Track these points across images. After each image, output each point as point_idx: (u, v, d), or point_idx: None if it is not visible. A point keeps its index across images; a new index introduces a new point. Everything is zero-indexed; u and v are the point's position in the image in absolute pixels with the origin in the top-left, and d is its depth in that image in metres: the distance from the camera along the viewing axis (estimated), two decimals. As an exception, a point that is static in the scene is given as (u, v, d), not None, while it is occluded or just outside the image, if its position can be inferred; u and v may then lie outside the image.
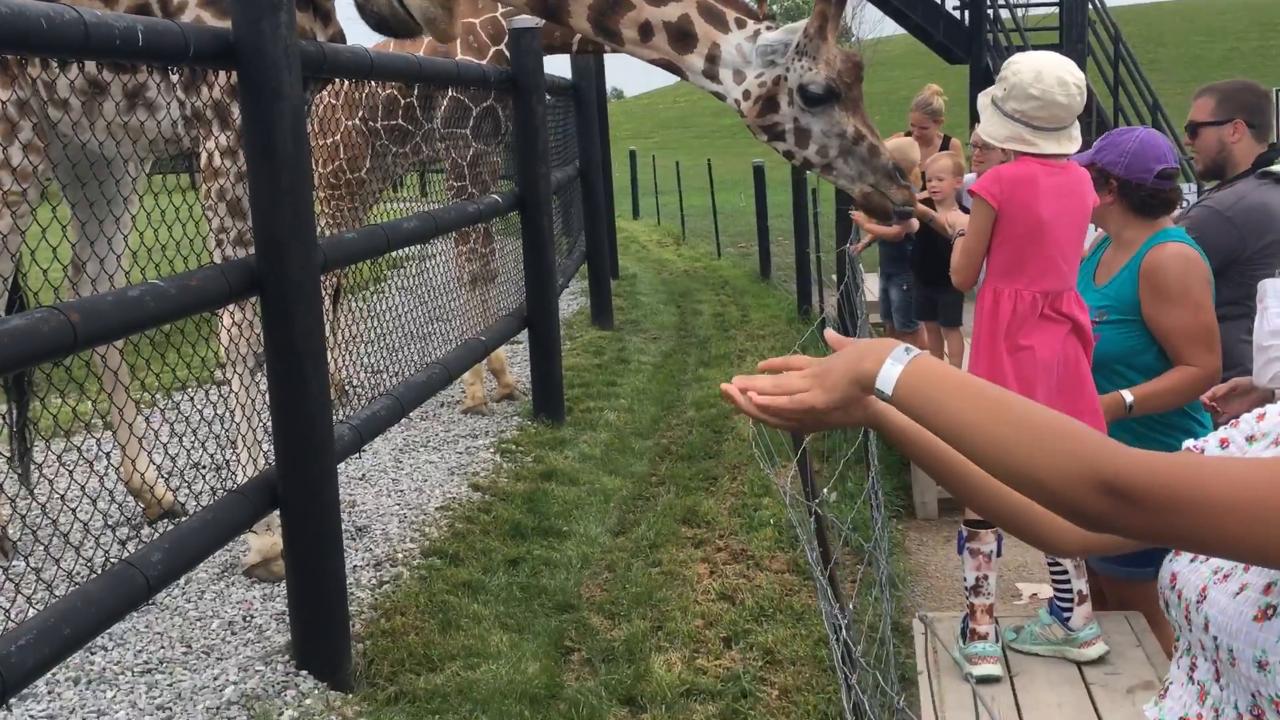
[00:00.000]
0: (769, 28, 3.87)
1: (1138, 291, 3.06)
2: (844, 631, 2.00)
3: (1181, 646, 1.35)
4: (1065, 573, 3.02)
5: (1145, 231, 3.10)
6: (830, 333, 1.49)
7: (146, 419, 4.56)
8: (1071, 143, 3.06)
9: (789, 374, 1.37)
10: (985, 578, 2.96)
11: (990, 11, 14.40)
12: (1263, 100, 3.03)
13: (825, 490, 2.50)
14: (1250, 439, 1.38)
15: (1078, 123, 3.12)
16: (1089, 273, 3.22)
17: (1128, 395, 3.04)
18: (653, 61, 3.98)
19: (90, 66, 3.54)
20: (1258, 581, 1.20)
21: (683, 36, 3.88)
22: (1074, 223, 3.10)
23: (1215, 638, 1.24)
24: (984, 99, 3.17)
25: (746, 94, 3.87)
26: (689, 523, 4.70)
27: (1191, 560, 1.32)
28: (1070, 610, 3.00)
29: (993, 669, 2.91)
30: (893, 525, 4.68)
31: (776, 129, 3.87)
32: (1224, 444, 1.40)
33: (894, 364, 1.26)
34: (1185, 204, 4.85)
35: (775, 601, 3.92)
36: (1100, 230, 3.31)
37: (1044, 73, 2.99)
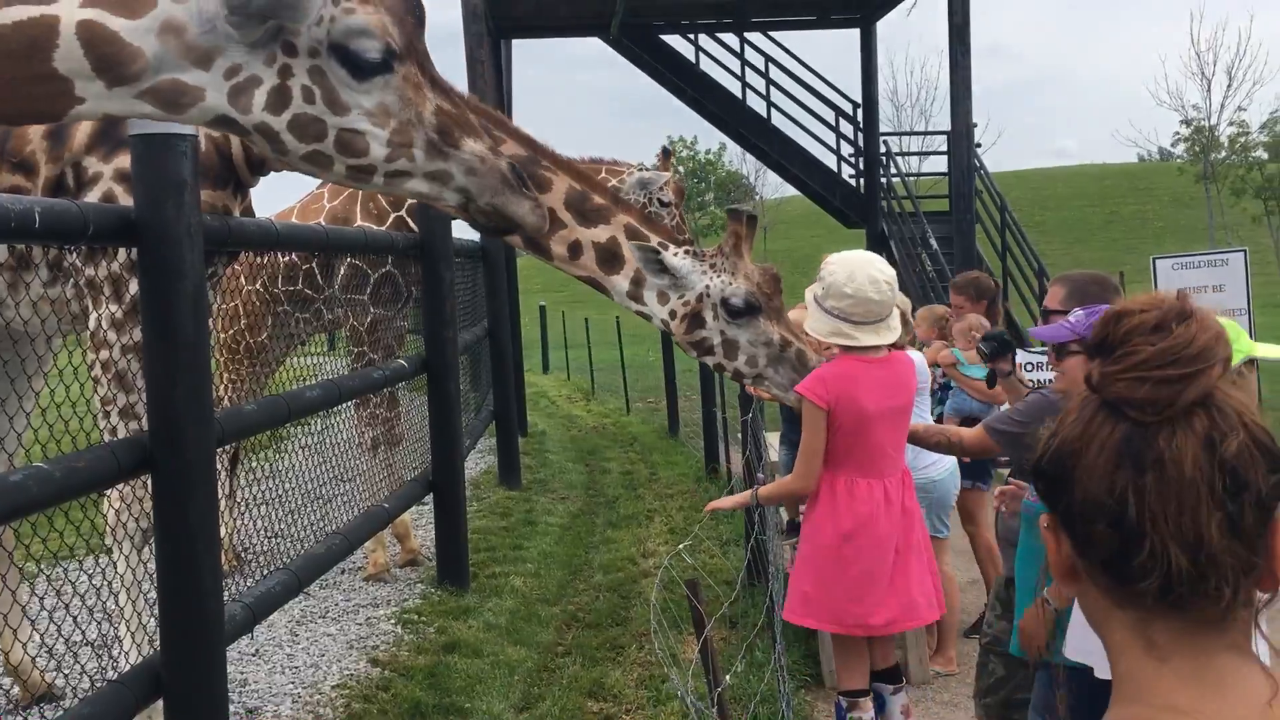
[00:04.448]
0: (689, 251, 4.05)
1: None
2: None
3: None
4: None
5: None
6: None
7: (21, 601, 4.32)
8: (890, 333, 3.34)
9: None
10: None
11: (884, 180, 15.10)
12: (1109, 293, 3.15)
13: (731, 671, 2.47)
14: None
15: (896, 312, 3.37)
16: None
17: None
18: (579, 278, 4.13)
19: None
20: None
21: (610, 258, 4.05)
22: (897, 411, 3.38)
23: None
24: (809, 294, 3.39)
25: (673, 314, 4.04)
26: (595, 696, 4.58)
27: None
28: None
29: None
30: (800, 696, 4.62)
31: (705, 344, 4.02)
32: None
33: None
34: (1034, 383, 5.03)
35: (683, 782, 3.82)
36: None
37: (855, 272, 3.27)
